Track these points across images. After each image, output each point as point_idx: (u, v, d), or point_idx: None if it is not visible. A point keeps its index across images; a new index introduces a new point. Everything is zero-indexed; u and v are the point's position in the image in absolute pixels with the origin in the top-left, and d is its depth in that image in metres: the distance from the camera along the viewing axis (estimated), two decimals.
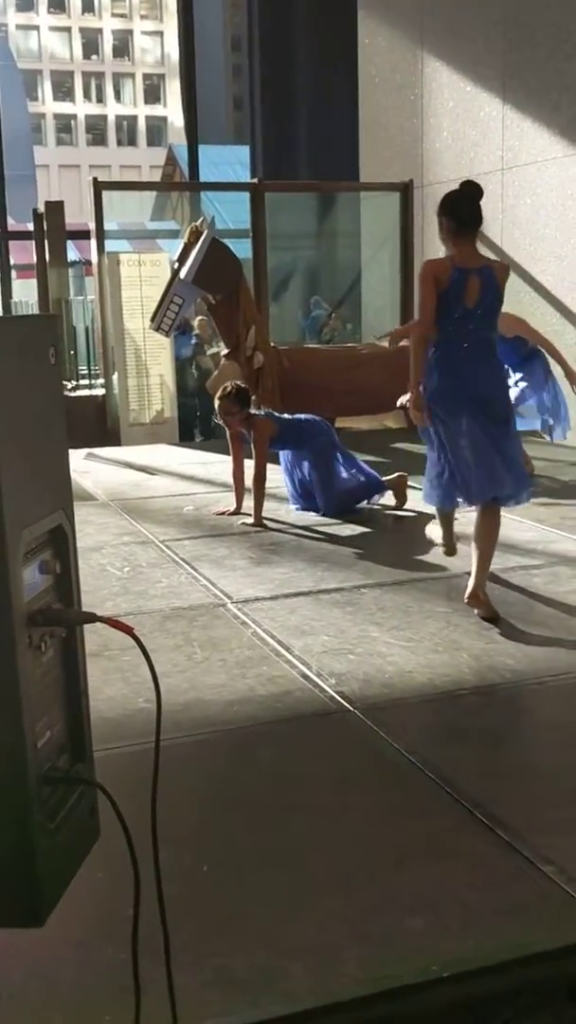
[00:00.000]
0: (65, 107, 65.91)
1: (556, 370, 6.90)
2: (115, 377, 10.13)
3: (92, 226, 10.15)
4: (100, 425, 10.14)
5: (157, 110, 66.55)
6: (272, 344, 8.81)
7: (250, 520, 6.03)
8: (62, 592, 1.42)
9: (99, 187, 10.06)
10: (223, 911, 2.32)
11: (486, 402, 4.41)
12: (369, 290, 11.86)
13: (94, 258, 10.27)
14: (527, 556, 5.22)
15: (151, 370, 10.08)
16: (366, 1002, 2.06)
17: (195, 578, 4.98)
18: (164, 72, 65.69)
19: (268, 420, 6.22)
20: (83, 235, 11.24)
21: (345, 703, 3.47)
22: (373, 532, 5.90)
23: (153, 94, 67.21)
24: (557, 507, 6.27)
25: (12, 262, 15.02)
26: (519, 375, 6.79)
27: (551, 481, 7.09)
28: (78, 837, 1.43)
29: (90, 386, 11.71)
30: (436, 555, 5.20)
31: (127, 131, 66.94)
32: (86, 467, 8.10)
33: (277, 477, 6.35)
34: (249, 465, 6.15)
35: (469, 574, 4.40)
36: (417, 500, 5.79)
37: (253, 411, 6.28)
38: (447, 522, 5.03)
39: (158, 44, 66.43)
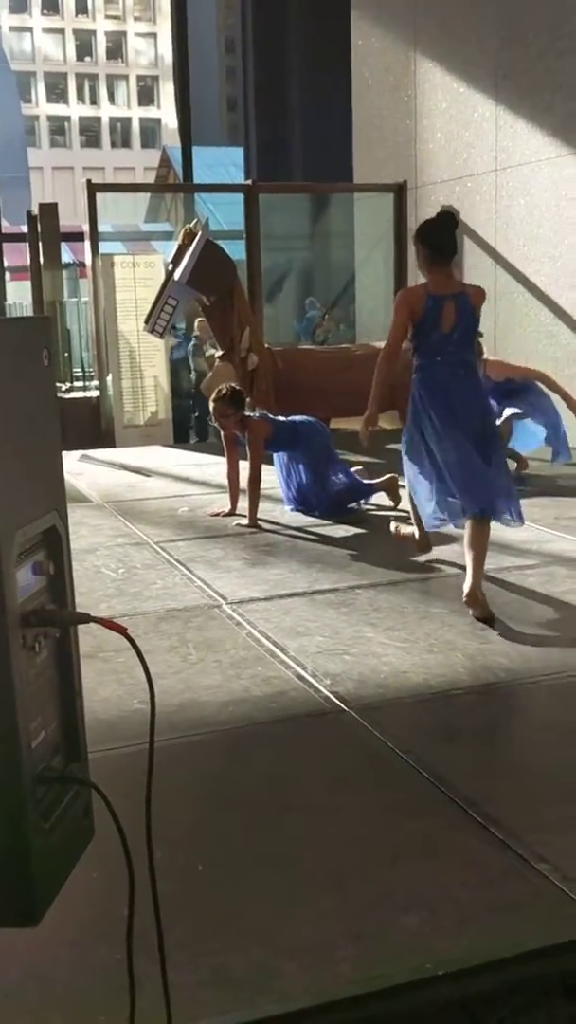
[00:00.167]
0: (59, 109, 65.88)
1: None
2: (109, 379, 10.13)
3: (86, 228, 10.16)
4: (94, 427, 10.14)
5: (151, 112, 66.54)
6: (266, 345, 8.83)
7: (244, 521, 6.04)
8: (56, 593, 1.43)
9: (93, 189, 10.07)
10: (218, 910, 2.33)
11: (470, 418, 4.60)
12: (363, 291, 11.88)
13: (88, 260, 10.27)
14: (522, 556, 5.23)
15: (145, 372, 10.09)
16: (361, 1001, 2.07)
17: (190, 579, 4.99)
18: (158, 74, 65.68)
19: (263, 422, 6.23)
20: (77, 237, 11.23)
21: (340, 703, 3.48)
22: (367, 533, 5.91)
23: (147, 96, 67.21)
24: (551, 507, 6.29)
25: (6, 264, 15.01)
26: (511, 410, 6.87)
27: (545, 480, 7.11)
28: (72, 837, 1.44)
29: (84, 388, 11.71)
30: (430, 556, 5.21)
31: (121, 133, 66.93)
32: (80, 469, 8.10)
33: (271, 478, 6.36)
34: (244, 466, 6.16)
35: (464, 572, 4.43)
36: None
37: (248, 413, 6.28)
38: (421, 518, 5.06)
39: (152, 46, 66.44)
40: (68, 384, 11.90)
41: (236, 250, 9.74)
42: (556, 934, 2.25)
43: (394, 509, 6.34)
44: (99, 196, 10.21)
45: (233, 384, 6.52)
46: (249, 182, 11.15)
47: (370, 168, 11.28)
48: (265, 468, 6.15)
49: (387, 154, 10.96)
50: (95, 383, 10.94)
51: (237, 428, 6.12)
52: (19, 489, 1.30)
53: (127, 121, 66.82)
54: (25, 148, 55.91)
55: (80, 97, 66.34)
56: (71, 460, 8.25)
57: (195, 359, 11.41)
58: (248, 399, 6.89)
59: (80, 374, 12.36)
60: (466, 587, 4.36)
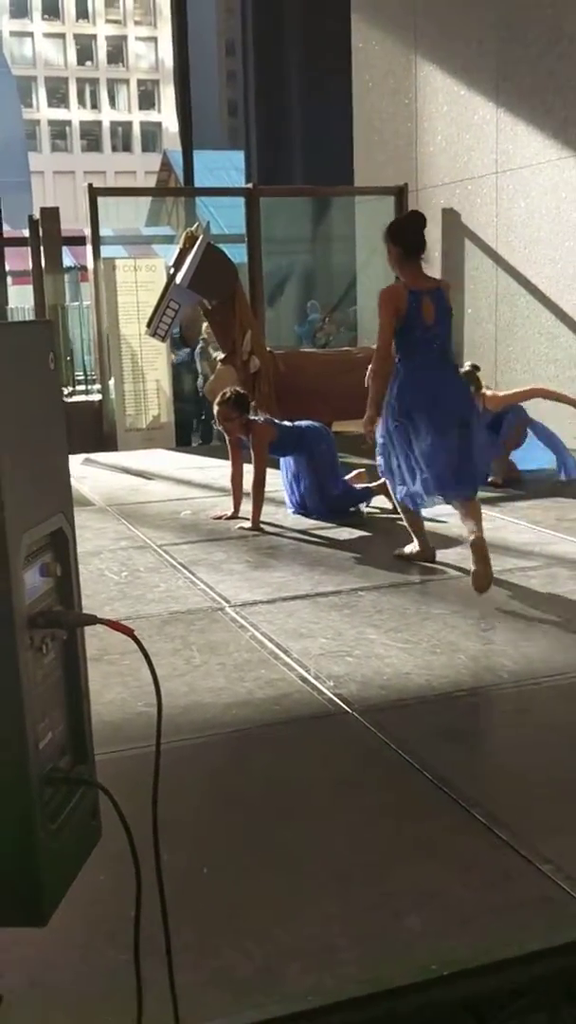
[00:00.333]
0: (60, 113, 65.99)
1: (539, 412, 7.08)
2: (111, 382, 10.15)
3: (88, 232, 10.18)
4: (97, 430, 10.15)
5: (151, 116, 66.62)
6: (268, 348, 8.84)
7: (247, 524, 6.05)
8: (63, 595, 1.44)
9: (94, 193, 10.09)
10: (222, 912, 2.34)
11: (456, 410, 4.90)
12: (364, 294, 11.88)
13: (90, 264, 10.29)
14: (524, 558, 5.24)
15: (148, 375, 10.10)
16: (365, 1002, 2.08)
17: (193, 582, 5.00)
18: (158, 78, 65.77)
19: (267, 426, 6.24)
20: (78, 241, 11.25)
21: (343, 705, 3.49)
22: (369, 535, 5.92)
23: (148, 100, 67.29)
24: (553, 509, 6.30)
25: (8, 268, 15.03)
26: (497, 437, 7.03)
27: (546, 483, 7.11)
28: (80, 838, 1.44)
29: (87, 391, 11.72)
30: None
31: (122, 137, 67.01)
32: (83, 472, 8.11)
33: (274, 481, 6.37)
34: (248, 470, 6.17)
35: (468, 572, 4.54)
36: None
37: (252, 417, 6.29)
38: (419, 527, 5.21)
39: (152, 50, 66.52)
40: (70, 388, 11.90)
41: (237, 253, 9.76)
42: (560, 935, 2.25)
43: (394, 511, 6.34)
44: (100, 200, 10.23)
45: (238, 388, 6.53)
46: (250, 186, 11.17)
47: (371, 171, 11.30)
48: (270, 472, 6.16)
49: (388, 157, 10.98)
50: (97, 387, 10.95)
51: (241, 431, 6.13)
52: (26, 491, 1.31)
53: (128, 125, 66.89)
54: (26, 152, 56.08)
55: (81, 101, 66.43)
56: (74, 464, 8.26)
57: (201, 362, 11.41)
58: (252, 403, 6.91)
59: (82, 378, 12.36)
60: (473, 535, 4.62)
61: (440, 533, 5.70)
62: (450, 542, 5.48)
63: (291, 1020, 2.02)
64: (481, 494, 6.69)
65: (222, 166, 27.68)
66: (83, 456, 8.78)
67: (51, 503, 1.42)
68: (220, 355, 8.85)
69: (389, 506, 6.37)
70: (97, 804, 1.51)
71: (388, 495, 6.33)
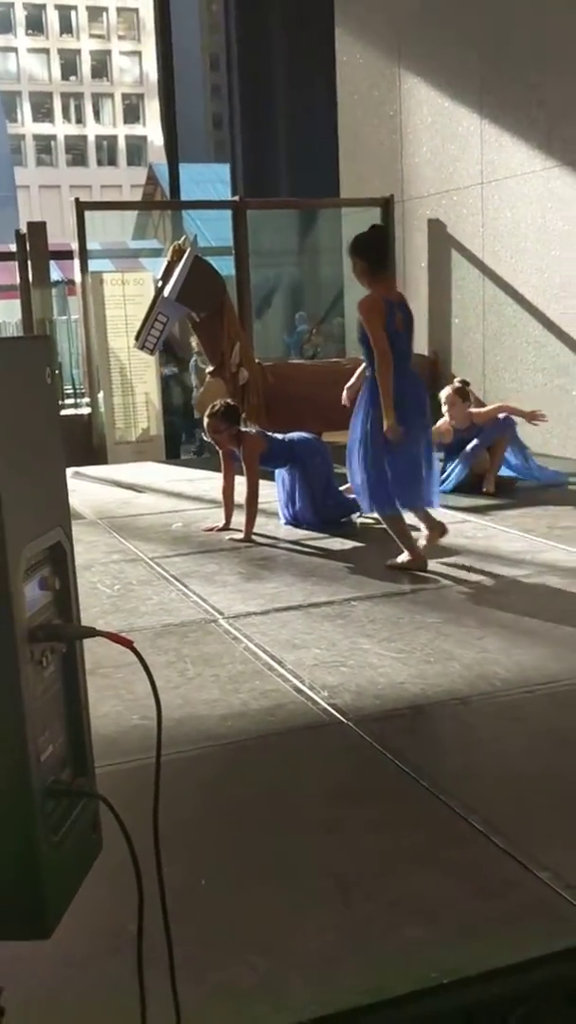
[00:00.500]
0: (45, 128, 66.14)
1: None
2: (100, 396, 10.15)
3: (75, 246, 10.19)
4: (86, 444, 10.15)
5: (136, 129, 66.82)
6: (256, 360, 8.86)
7: (239, 536, 6.05)
8: (61, 608, 1.44)
9: (82, 208, 10.11)
10: (221, 924, 2.33)
11: (422, 415, 5.23)
12: (352, 305, 11.92)
13: (78, 278, 10.31)
14: (516, 566, 5.26)
15: (136, 388, 10.12)
16: (366, 1011, 2.07)
17: (185, 594, 5.00)
18: (143, 92, 65.98)
19: (257, 438, 6.25)
20: (65, 255, 11.26)
21: (338, 715, 3.49)
22: (362, 545, 5.93)
23: (132, 114, 67.49)
24: (544, 517, 6.32)
25: None
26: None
27: (537, 491, 7.15)
28: (81, 851, 1.44)
29: (76, 405, 11.73)
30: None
31: (107, 151, 67.17)
32: (73, 486, 8.09)
33: (266, 492, 6.37)
34: (240, 481, 6.17)
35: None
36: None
37: (243, 428, 6.30)
38: (405, 532, 5.30)
39: (136, 64, 66.77)
40: (59, 401, 11.90)
41: (224, 266, 9.79)
42: (559, 942, 2.26)
43: None
44: (87, 214, 10.24)
45: (228, 400, 6.54)
46: (237, 198, 11.21)
47: (356, 183, 11.35)
48: (262, 483, 6.16)
49: (373, 168, 11.03)
50: (86, 400, 10.96)
51: (232, 444, 6.14)
52: (25, 505, 1.32)
53: (113, 139, 67.08)
54: (12, 167, 56.14)
55: (66, 116, 66.60)
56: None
57: (194, 375, 11.44)
58: (243, 415, 6.92)
59: (71, 391, 12.37)
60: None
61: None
62: (442, 552, 5.49)
63: None
64: (473, 502, 6.79)
65: (208, 179, 27.75)
66: (72, 469, 8.77)
67: (50, 517, 1.42)
68: (209, 368, 8.87)
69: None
70: (98, 817, 1.51)
71: None
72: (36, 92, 65.91)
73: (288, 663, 3.99)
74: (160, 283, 8.24)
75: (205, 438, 6.43)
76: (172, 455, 10.50)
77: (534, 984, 2.22)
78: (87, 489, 8.08)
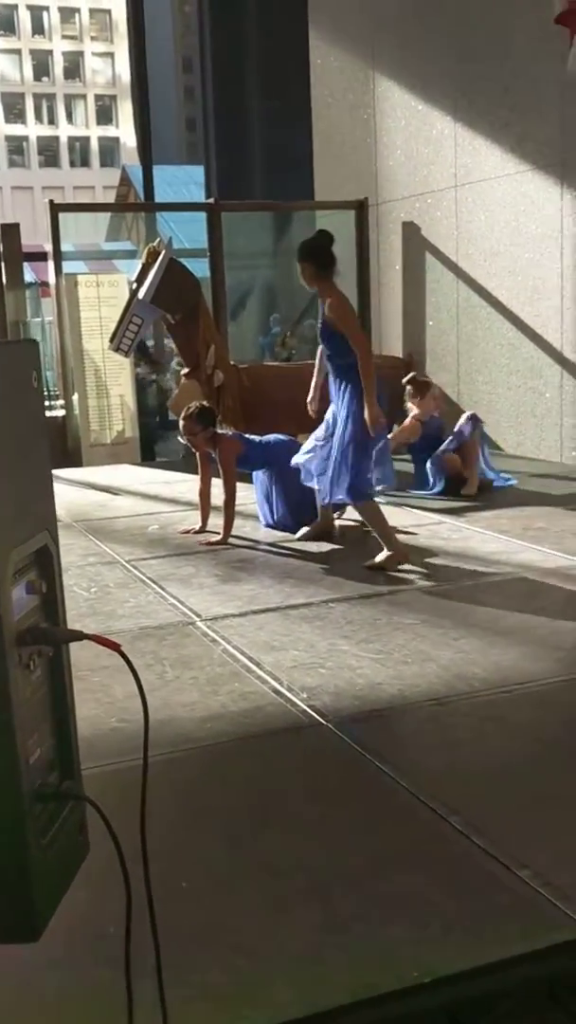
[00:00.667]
0: (17, 129, 65.82)
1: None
2: (75, 398, 10.12)
3: (49, 248, 10.15)
4: (61, 446, 10.11)
5: (109, 131, 66.65)
6: (232, 362, 8.86)
7: (215, 538, 6.05)
8: (48, 611, 1.45)
9: (56, 210, 10.07)
10: (204, 926, 2.34)
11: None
12: None
13: (52, 280, 10.27)
14: (491, 567, 5.29)
15: (111, 390, 10.09)
16: (349, 1010, 2.09)
17: (163, 597, 5.00)
18: (115, 93, 65.84)
19: (234, 440, 6.24)
20: (38, 257, 11.22)
21: (317, 716, 3.50)
22: (339, 547, 5.94)
23: (105, 115, 67.31)
24: (519, 518, 6.36)
25: None
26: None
27: (512, 493, 7.19)
28: (69, 853, 1.45)
29: (50, 407, 11.67)
30: (402, 568, 5.26)
31: (79, 152, 66.96)
32: None
33: (243, 495, 6.37)
34: (217, 483, 6.17)
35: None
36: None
37: (220, 431, 6.29)
38: (387, 524, 5.47)
39: (109, 65, 66.61)
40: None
41: (199, 268, 9.78)
42: (539, 939, 2.28)
43: (363, 525, 6.37)
44: (60, 216, 10.20)
45: (203, 402, 6.54)
46: (211, 201, 11.20)
47: (331, 186, 11.38)
48: (240, 485, 6.16)
49: (348, 171, 11.06)
50: (60, 402, 10.91)
51: (208, 446, 6.14)
52: (12, 510, 1.32)
53: (85, 140, 66.87)
54: None
55: (38, 117, 66.34)
56: None
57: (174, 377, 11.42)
58: (219, 417, 6.91)
59: (45, 393, 12.32)
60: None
61: (411, 544, 5.74)
62: (417, 554, 5.52)
63: None
64: (449, 504, 6.83)
65: (181, 180, 27.70)
66: None
67: (36, 521, 1.43)
68: (184, 370, 8.86)
69: (359, 517, 6.40)
70: (84, 819, 1.52)
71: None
72: (8, 93, 65.58)
73: (266, 665, 4.00)
74: (135, 285, 8.23)
75: (181, 440, 6.41)
76: (147, 457, 10.47)
77: (515, 982, 2.24)
78: (62, 492, 8.02)
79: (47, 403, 11.89)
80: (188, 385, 8.74)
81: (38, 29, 65.90)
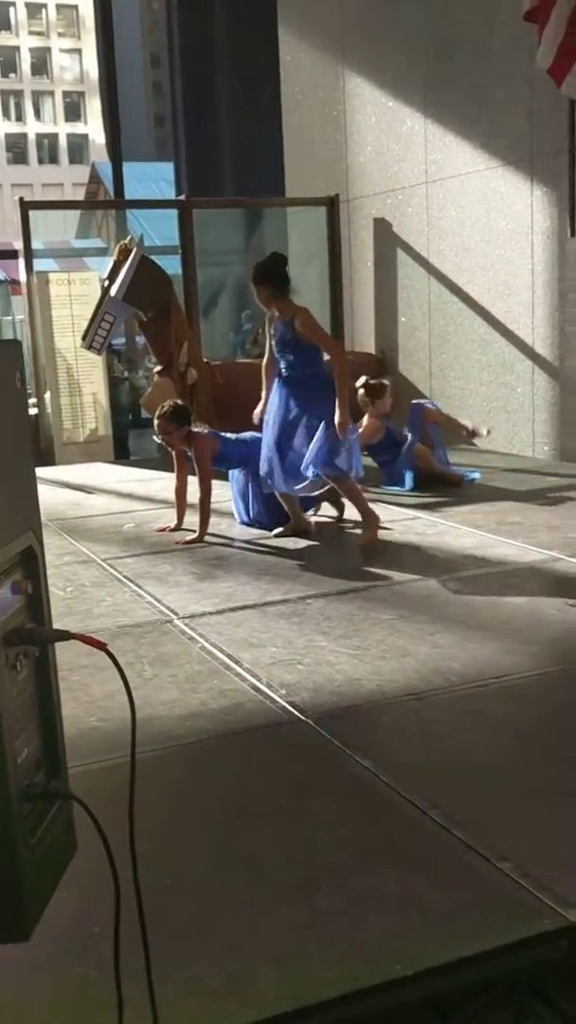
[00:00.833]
0: None
1: None
2: (47, 396, 10.08)
3: (19, 246, 10.10)
4: (34, 445, 10.04)
5: (78, 128, 66.31)
6: (205, 360, 8.86)
7: (191, 536, 6.04)
8: (34, 611, 1.45)
9: (26, 207, 10.01)
10: (188, 922, 2.34)
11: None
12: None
13: (23, 278, 10.21)
14: (467, 562, 5.32)
15: (84, 388, 10.05)
16: (335, 1004, 2.10)
17: (140, 595, 4.99)
18: (84, 89, 65.50)
19: (209, 438, 6.23)
20: (8, 255, 11.16)
21: (297, 713, 3.51)
22: (315, 544, 5.96)
23: (73, 111, 66.96)
24: (493, 513, 6.40)
25: None
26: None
27: (486, 488, 7.23)
28: (57, 852, 1.45)
29: None
30: (378, 564, 5.28)
31: (48, 149, 66.56)
32: None
33: (219, 492, 6.37)
34: (192, 481, 6.17)
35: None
36: (354, 511, 5.89)
37: (195, 429, 6.28)
38: (361, 494, 5.90)
39: (77, 61, 66.24)
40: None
41: (171, 265, 9.76)
42: (520, 931, 2.30)
43: (339, 520, 6.41)
44: (31, 213, 10.15)
45: (177, 401, 6.53)
46: (183, 198, 11.18)
47: (302, 182, 11.38)
48: (216, 483, 6.16)
49: (318, 168, 11.07)
50: (33, 401, 10.86)
51: (183, 444, 6.13)
52: None
53: (54, 137, 66.49)
54: None
55: (6, 114, 65.85)
56: None
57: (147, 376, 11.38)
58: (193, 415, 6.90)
59: None
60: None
61: (386, 540, 5.77)
62: (391, 548, 5.55)
63: None
64: (423, 499, 6.86)
65: (151, 177, 27.62)
66: None
67: (21, 521, 1.43)
68: (157, 367, 8.85)
69: (335, 513, 6.43)
70: (72, 818, 1.52)
71: (334, 502, 6.39)
72: None
73: (245, 662, 4.01)
74: (107, 283, 8.22)
75: (156, 439, 6.39)
76: (120, 456, 10.44)
77: (497, 972, 2.26)
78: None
79: None
80: (161, 383, 8.74)
81: (4, 25, 65.42)
